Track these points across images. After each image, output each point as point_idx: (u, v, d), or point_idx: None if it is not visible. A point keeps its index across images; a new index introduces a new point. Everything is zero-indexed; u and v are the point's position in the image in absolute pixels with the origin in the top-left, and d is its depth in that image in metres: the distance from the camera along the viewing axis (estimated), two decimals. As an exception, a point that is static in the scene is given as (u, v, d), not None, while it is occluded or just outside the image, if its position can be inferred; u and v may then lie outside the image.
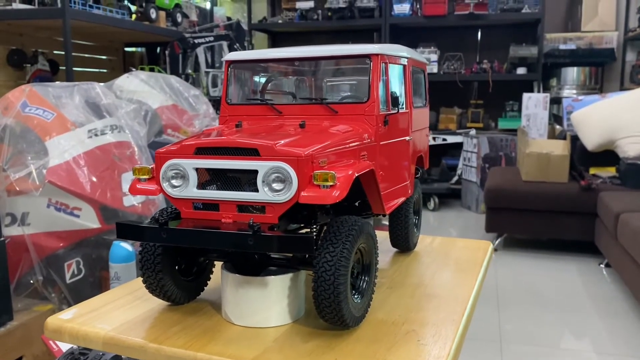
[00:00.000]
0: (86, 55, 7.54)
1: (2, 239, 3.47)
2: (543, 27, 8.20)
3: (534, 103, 7.43)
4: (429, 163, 2.19)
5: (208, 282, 1.68)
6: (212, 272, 1.68)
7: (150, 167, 1.45)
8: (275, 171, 1.32)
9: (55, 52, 6.98)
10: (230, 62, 1.79)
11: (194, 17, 8.50)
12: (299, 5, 9.29)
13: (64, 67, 5.79)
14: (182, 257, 1.57)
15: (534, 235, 6.44)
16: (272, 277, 1.45)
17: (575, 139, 6.47)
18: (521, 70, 8.44)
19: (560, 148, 6.18)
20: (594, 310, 4.62)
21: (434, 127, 8.89)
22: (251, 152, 1.35)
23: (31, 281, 3.80)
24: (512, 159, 7.94)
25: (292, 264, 1.50)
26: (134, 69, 6.69)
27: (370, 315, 1.52)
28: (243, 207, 1.38)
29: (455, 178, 8.62)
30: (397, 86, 1.78)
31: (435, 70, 8.61)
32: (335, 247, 1.33)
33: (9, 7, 5.71)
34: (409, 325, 1.46)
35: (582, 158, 6.45)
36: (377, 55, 1.63)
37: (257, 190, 1.34)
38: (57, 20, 5.54)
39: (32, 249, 3.76)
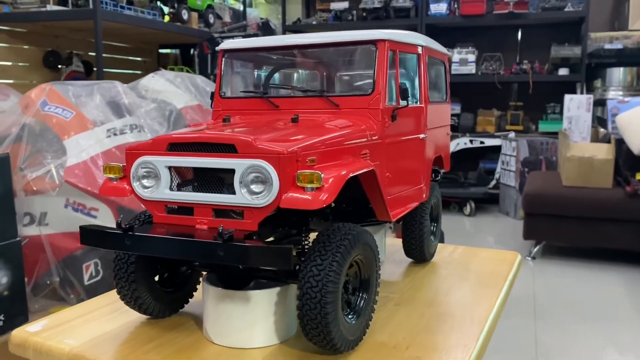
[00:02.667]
0: (121, 56, 7.56)
1: (17, 239, 3.41)
2: (587, 26, 7.83)
3: (577, 105, 7.09)
4: (449, 165, 1.98)
5: (194, 293, 1.51)
6: (199, 283, 1.52)
7: (122, 165, 1.29)
8: (254, 170, 1.14)
9: (90, 53, 7.02)
10: (225, 52, 1.63)
11: (227, 18, 8.44)
12: (333, 6, 9.15)
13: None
14: (161, 266, 1.41)
15: (574, 243, 6.11)
16: (256, 291, 1.28)
17: (620, 143, 6.12)
18: (563, 71, 8.07)
19: (604, 152, 5.85)
20: (639, 324, 4.30)
21: (471, 130, 8.59)
22: (228, 149, 1.17)
23: (47, 282, 3.74)
24: (553, 163, 7.58)
25: (280, 276, 1.31)
26: (161, 69, 6.65)
27: (370, 336, 1.33)
28: (220, 211, 1.21)
29: (493, 182, 8.29)
30: (408, 77, 1.59)
31: (473, 71, 8.32)
32: (324, 259, 1.14)
33: (43, 9, 5.73)
34: (414, 350, 1.27)
35: (628, 162, 6.09)
36: (383, 41, 1.44)
37: (235, 193, 1.16)
38: (91, 22, 5.53)
39: (49, 250, 3.69)
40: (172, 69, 7.32)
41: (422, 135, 1.67)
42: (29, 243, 3.69)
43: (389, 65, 1.45)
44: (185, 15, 7.21)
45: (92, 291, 3.80)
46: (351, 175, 1.20)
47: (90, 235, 1.24)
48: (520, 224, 6.68)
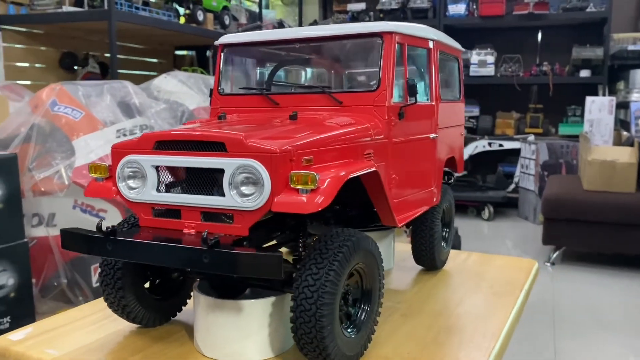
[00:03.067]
0: (137, 58, 7.55)
1: (24, 240, 3.37)
2: (610, 26, 7.64)
3: (598, 107, 6.90)
4: (463, 167, 1.87)
5: (188, 301, 1.42)
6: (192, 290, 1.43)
7: (108, 164, 1.21)
8: (244, 170, 1.05)
9: (105, 54, 7.01)
10: (224, 46, 1.54)
11: (243, 19, 8.40)
12: (350, 7, 9.08)
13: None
14: (151, 272, 1.33)
15: (595, 249, 5.93)
16: (249, 301, 1.18)
17: (644, 146, 5.94)
18: (585, 73, 7.88)
19: (627, 155, 5.68)
20: (663, 336, 4.14)
21: (490, 132, 8.44)
22: (217, 147, 1.08)
23: (55, 283, 3.70)
24: (573, 166, 7.41)
25: (276, 285, 1.22)
26: (175, 70, 6.62)
27: (373, 350, 1.23)
28: (210, 214, 1.12)
29: (512, 186, 8.13)
30: (418, 73, 1.49)
31: (492, 72, 8.16)
32: (320, 267, 1.04)
33: (59, 10, 5.73)
34: (419, 366, 1.17)
35: (653, 166, 5.91)
36: (390, 33, 1.34)
37: (224, 194, 1.07)
38: (106, 23, 5.51)
39: (57, 251, 3.65)
40: (186, 70, 7.29)
41: (432, 135, 1.56)
42: (37, 244, 3.66)
43: (396, 60, 1.35)
44: (200, 16, 7.18)
45: (100, 293, 3.73)
46: (351, 176, 1.10)
47: (71, 239, 1.16)
48: (539, 229, 6.55)
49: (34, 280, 3.50)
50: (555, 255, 6.01)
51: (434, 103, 1.56)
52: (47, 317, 1.39)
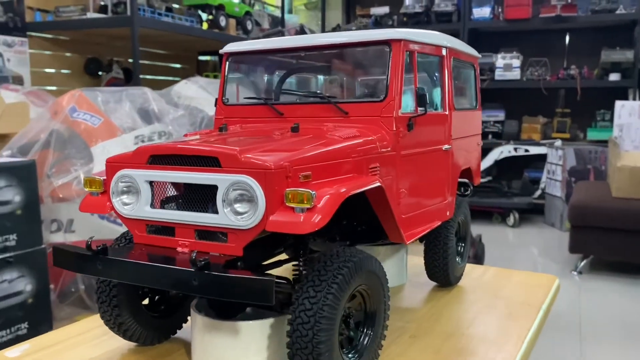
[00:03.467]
0: (161, 63, 7.61)
1: (42, 246, 3.38)
2: (641, 28, 7.46)
3: (628, 112, 6.71)
4: (479, 178, 1.79)
5: (189, 318, 1.38)
6: (193, 307, 1.38)
7: (103, 179, 1.18)
8: (238, 187, 1.00)
9: (130, 60, 7.08)
10: (229, 55, 1.50)
11: (265, 24, 8.40)
12: (373, 11, 9.01)
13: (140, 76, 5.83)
14: (149, 289, 1.28)
15: (625, 258, 5.75)
16: (247, 322, 1.13)
17: (677, 152, 5.74)
18: (614, 77, 7.67)
19: (658, 162, 5.49)
20: (696, 351, 3.97)
21: (515, 137, 8.27)
22: (211, 162, 1.04)
23: (72, 290, 3.71)
24: (602, 172, 7.21)
25: (275, 306, 1.16)
26: (196, 76, 6.65)
27: (377, 376, 1.17)
28: (204, 232, 1.07)
29: (538, 192, 7.95)
30: (430, 81, 1.42)
31: (517, 76, 8.01)
32: (318, 290, 0.99)
33: (84, 17, 5.80)
34: (424, 394, 1.10)
35: (685, 173, 5.70)
36: (398, 41, 1.28)
37: (218, 212, 1.03)
38: (130, 29, 5.55)
39: (75, 258, 3.66)
40: (207, 76, 7.32)
41: (445, 147, 1.49)
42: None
43: (405, 68, 1.29)
44: (223, 22, 7.20)
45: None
46: (352, 193, 1.04)
47: (62, 257, 1.12)
48: (566, 236, 6.39)
49: (52, 287, 3.51)
50: (582, 264, 5.85)
51: (447, 113, 1.49)
52: (45, 334, 1.36)
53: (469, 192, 1.77)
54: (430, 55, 1.42)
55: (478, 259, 5.34)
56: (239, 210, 1.01)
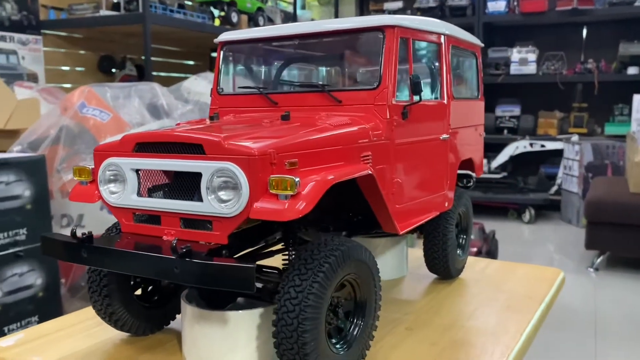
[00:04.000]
0: (173, 60, 7.64)
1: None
2: (660, 21, 7.31)
3: (647, 105, 6.59)
4: (482, 169, 1.75)
5: (182, 309, 1.37)
6: (188, 297, 1.37)
7: (90, 167, 1.17)
8: (222, 174, 0.98)
9: (142, 57, 7.12)
10: (224, 44, 1.48)
11: (278, 20, 8.39)
12: (386, 6, 8.97)
13: (152, 72, 5.85)
14: (141, 280, 1.28)
15: (642, 255, 5.66)
16: (236, 312, 1.12)
17: (697, 147, 5.63)
18: (633, 70, 7.53)
19: (677, 157, 5.38)
20: None
21: (531, 132, 8.17)
22: (196, 149, 1.02)
23: (82, 284, 3.74)
24: (620, 168, 7.08)
25: (265, 296, 1.14)
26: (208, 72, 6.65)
27: (369, 368, 1.15)
28: (190, 221, 1.06)
29: (555, 188, 7.85)
30: (427, 70, 1.39)
31: (533, 71, 7.91)
32: (304, 279, 0.97)
33: (96, 14, 5.85)
34: (416, 386, 1.08)
35: None
36: (392, 27, 1.25)
37: (202, 200, 1.01)
38: (142, 26, 5.58)
39: (85, 252, 3.68)
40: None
41: (443, 136, 1.46)
42: (66, 245, 3.68)
43: (400, 56, 1.26)
44: (234, 18, 7.20)
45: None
46: (339, 181, 1.02)
47: (50, 245, 1.12)
48: (582, 233, 6.30)
49: (62, 281, 3.54)
50: (599, 260, 5.77)
51: (445, 101, 1.46)
52: (38, 325, 1.36)
53: (471, 183, 1.74)
54: (427, 42, 1.39)
55: (491, 255, 5.28)
56: (223, 197, 0.99)
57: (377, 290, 1.14)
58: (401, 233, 1.27)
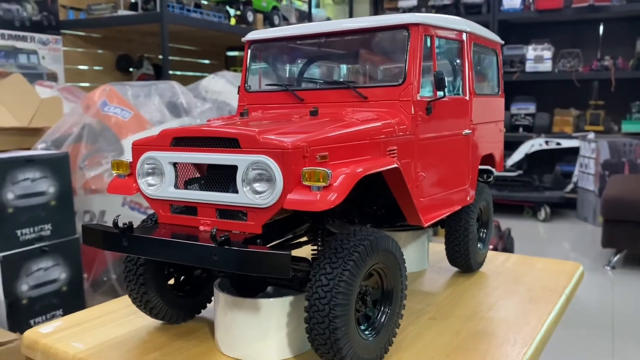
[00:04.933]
0: (190, 59, 7.72)
1: (76, 236, 3.49)
2: (678, 17, 7.26)
3: (665, 103, 6.54)
4: (502, 165, 1.79)
5: (212, 298, 1.42)
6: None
7: (129, 161, 1.22)
8: (257, 167, 1.03)
9: (160, 56, 7.20)
10: (251, 43, 1.53)
11: (293, 19, 8.43)
12: (401, 4, 8.98)
13: (170, 72, 5.93)
14: (175, 269, 1.33)
15: (660, 253, 5.63)
16: (268, 299, 1.16)
17: None
18: (650, 67, 7.50)
19: (695, 154, 5.34)
20: None
21: (547, 130, 8.14)
22: (231, 143, 1.07)
23: (105, 279, 3.81)
24: (637, 166, 7.04)
25: (295, 284, 1.19)
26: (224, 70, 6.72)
27: (395, 354, 1.18)
28: (225, 212, 1.10)
29: (571, 186, 7.82)
30: (450, 66, 1.43)
31: (549, 68, 7.88)
32: (334, 267, 1.01)
33: (114, 14, 5.93)
34: (441, 372, 1.12)
35: None
36: (417, 25, 1.29)
37: (238, 191, 1.06)
38: (159, 26, 5.65)
39: (107, 248, 3.75)
40: (235, 71, 7.38)
41: (466, 131, 1.50)
42: (88, 241, 3.75)
43: (424, 53, 1.30)
44: (250, 17, 7.25)
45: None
46: (368, 173, 1.06)
47: (91, 235, 1.17)
48: (599, 231, 6.28)
49: (85, 275, 3.62)
50: (615, 258, 5.75)
51: (467, 98, 1.49)
52: (76, 313, 1.41)
53: (491, 178, 1.78)
54: (450, 40, 1.43)
55: (507, 252, 5.29)
56: (258, 189, 1.04)
57: (403, 280, 1.19)
58: (425, 226, 1.31)
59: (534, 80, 8.12)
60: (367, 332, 1.11)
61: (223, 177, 1.10)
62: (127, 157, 3.89)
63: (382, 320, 1.14)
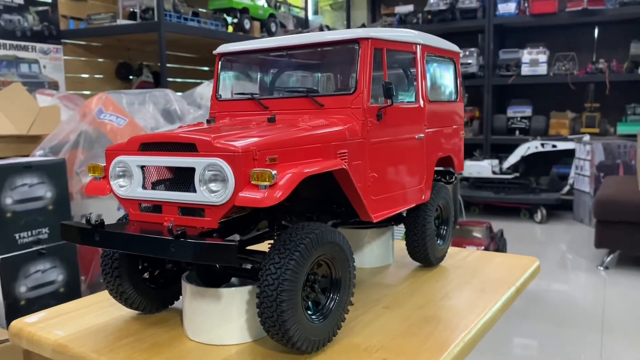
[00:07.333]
0: (189, 66, 7.86)
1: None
2: (671, 20, 7.33)
3: (657, 105, 6.62)
4: (462, 166, 1.90)
5: (185, 290, 1.55)
6: (189, 280, 1.55)
7: (103, 165, 1.36)
8: (212, 168, 1.16)
9: (159, 64, 7.36)
10: (222, 55, 1.66)
11: (290, 26, 8.57)
12: (397, 10, 9.09)
13: (169, 79, 6.07)
14: (148, 264, 1.46)
15: (652, 253, 5.69)
16: (228, 289, 1.29)
17: None
18: (644, 69, 7.57)
19: (684, 155, 5.42)
20: None
21: (543, 133, 8.23)
22: (190, 148, 1.20)
23: (101, 280, 3.92)
24: (631, 167, 7.11)
25: (253, 275, 1.31)
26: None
27: (344, 338, 1.31)
28: (186, 209, 1.23)
29: (567, 188, 7.89)
30: (404, 75, 1.55)
31: (544, 71, 7.98)
32: (282, 257, 1.14)
33: (114, 24, 6.08)
34: (384, 353, 1.23)
35: None
36: (366, 39, 1.42)
37: (196, 191, 1.19)
38: (157, 34, 5.80)
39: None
40: (233, 77, 7.47)
41: (419, 135, 1.62)
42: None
43: (374, 64, 1.43)
44: (247, 24, 7.37)
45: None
46: (312, 173, 1.18)
47: (68, 231, 1.30)
48: (594, 232, 6.34)
49: (82, 277, 3.76)
50: (608, 259, 5.81)
51: (420, 104, 1.62)
52: (59, 305, 1.54)
53: (453, 179, 1.90)
54: (402, 51, 1.55)
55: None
56: (213, 188, 1.17)
57: (352, 270, 1.31)
58: (375, 221, 1.43)
59: (529, 83, 8.22)
60: (314, 317, 1.23)
61: (184, 178, 1.23)
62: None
63: (331, 306, 1.26)
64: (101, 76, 6.81)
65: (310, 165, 1.21)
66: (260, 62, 1.72)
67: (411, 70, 1.61)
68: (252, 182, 1.13)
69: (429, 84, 1.65)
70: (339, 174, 1.29)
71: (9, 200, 3.15)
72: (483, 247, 5.08)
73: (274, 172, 1.11)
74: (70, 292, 3.51)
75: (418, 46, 1.61)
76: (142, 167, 1.29)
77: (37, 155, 3.68)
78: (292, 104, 1.51)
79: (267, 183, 1.11)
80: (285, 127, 1.31)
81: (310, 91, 1.50)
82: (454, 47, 1.84)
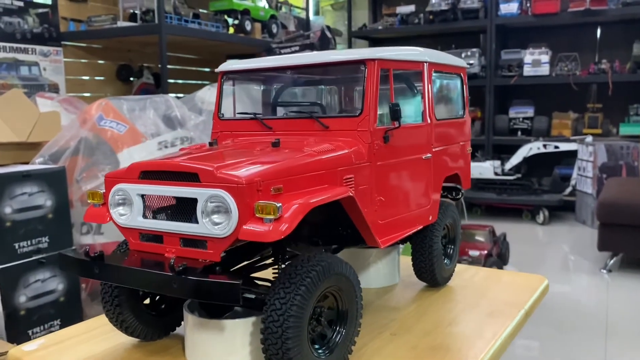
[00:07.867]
0: (190, 68, 7.82)
1: (73, 247, 3.59)
2: (675, 20, 7.29)
3: (660, 105, 6.58)
4: (469, 183, 1.87)
5: (186, 316, 1.51)
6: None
7: (102, 192, 1.32)
8: (215, 200, 1.12)
9: (160, 66, 7.32)
10: (224, 73, 1.62)
11: (292, 27, 8.51)
12: (399, 10, 9.03)
13: (170, 80, 6.02)
14: (146, 291, 1.42)
15: (656, 256, 5.66)
16: (231, 320, 1.25)
17: None
18: (647, 70, 7.53)
19: (688, 158, 5.38)
20: None
21: (545, 134, 8.19)
22: (192, 177, 1.16)
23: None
24: (634, 169, 7.08)
25: (258, 305, 1.27)
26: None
27: (352, 370, 1.27)
28: (188, 240, 1.20)
29: (569, 189, 7.85)
30: (410, 95, 1.51)
31: (547, 72, 7.93)
32: (287, 292, 1.10)
33: (114, 26, 6.04)
34: (392, 386, 1.20)
35: None
36: (372, 60, 1.38)
37: (198, 222, 1.15)
38: (158, 36, 5.76)
39: (105, 258, 3.84)
40: (234, 79, 7.43)
41: (426, 155, 1.58)
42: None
43: (380, 85, 1.39)
44: (248, 26, 7.33)
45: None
46: (318, 204, 1.15)
47: (66, 262, 1.27)
48: (597, 234, 6.31)
49: (83, 286, 3.72)
50: (612, 262, 5.77)
51: (427, 123, 1.58)
52: (58, 331, 1.51)
53: (459, 196, 1.86)
54: (407, 70, 1.51)
55: (502, 257, 5.34)
56: (216, 220, 1.13)
57: (359, 300, 1.27)
58: (383, 247, 1.40)
59: (532, 84, 8.17)
60: (320, 351, 1.19)
61: (186, 209, 1.19)
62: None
63: (337, 339, 1.22)
64: (102, 78, 6.77)
65: (316, 194, 1.17)
66: (264, 81, 1.68)
67: (418, 88, 1.57)
68: (257, 215, 1.09)
69: (436, 101, 1.61)
70: (345, 200, 1.25)
71: (8, 210, 3.11)
72: (486, 251, 5.05)
73: (279, 204, 1.07)
74: (71, 301, 3.48)
75: (425, 64, 1.57)
76: (142, 196, 1.25)
77: (37, 163, 3.64)
78: (296, 125, 1.47)
79: (272, 217, 1.07)
80: (290, 153, 1.27)
81: (315, 112, 1.46)
82: (460, 62, 1.80)
